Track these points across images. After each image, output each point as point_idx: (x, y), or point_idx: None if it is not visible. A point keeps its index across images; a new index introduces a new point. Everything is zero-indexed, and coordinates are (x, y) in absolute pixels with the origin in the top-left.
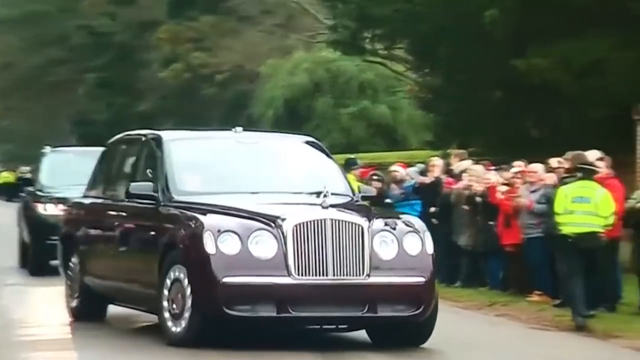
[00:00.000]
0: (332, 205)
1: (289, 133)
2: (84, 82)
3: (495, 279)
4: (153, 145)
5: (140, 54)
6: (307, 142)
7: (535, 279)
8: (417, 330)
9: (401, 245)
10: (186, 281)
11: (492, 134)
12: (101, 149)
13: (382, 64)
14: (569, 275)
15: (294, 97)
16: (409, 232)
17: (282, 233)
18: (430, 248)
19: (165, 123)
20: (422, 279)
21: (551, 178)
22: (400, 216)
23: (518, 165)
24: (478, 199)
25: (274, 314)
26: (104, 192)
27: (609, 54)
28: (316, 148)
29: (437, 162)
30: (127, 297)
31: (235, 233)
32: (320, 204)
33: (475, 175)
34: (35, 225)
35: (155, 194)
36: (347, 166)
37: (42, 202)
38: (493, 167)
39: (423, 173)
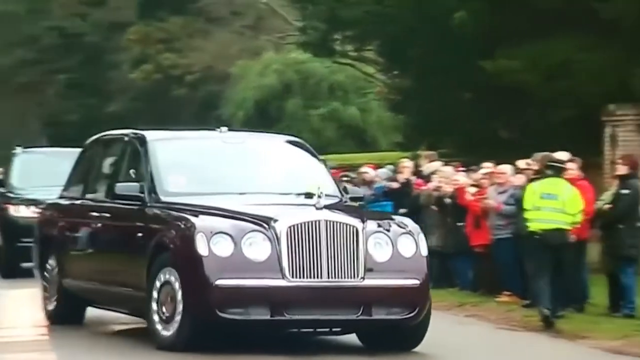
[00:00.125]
0: (326, 207)
1: (275, 133)
2: (54, 83)
3: (464, 279)
4: (136, 145)
5: (110, 55)
6: (293, 143)
7: (504, 280)
8: (411, 334)
9: (395, 247)
10: (177, 284)
11: (461, 136)
12: (73, 149)
13: (352, 66)
14: (536, 272)
15: (264, 98)
16: (403, 233)
17: (276, 234)
18: (424, 250)
19: (136, 124)
20: (416, 282)
21: (519, 179)
22: (393, 217)
23: (487, 166)
24: (447, 200)
25: (268, 317)
26: (83, 193)
27: (577, 55)
28: (302, 148)
29: (407, 164)
30: (112, 300)
31: (228, 234)
32: (314, 205)
33: (445, 177)
34: (6, 228)
35: (142, 195)
36: None
37: (13, 204)
38: (462, 169)
39: (393, 177)
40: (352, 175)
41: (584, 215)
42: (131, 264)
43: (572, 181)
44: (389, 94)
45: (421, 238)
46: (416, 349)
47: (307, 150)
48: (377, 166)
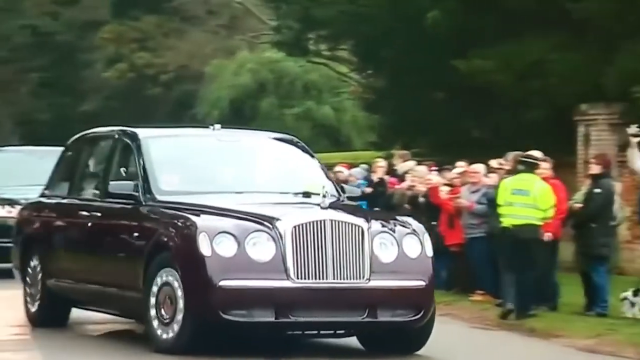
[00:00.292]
0: (330, 206)
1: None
2: (27, 82)
3: (438, 278)
4: (128, 143)
5: (83, 54)
6: (288, 141)
7: (478, 279)
8: (415, 336)
9: (401, 248)
10: (177, 285)
11: (434, 135)
12: (48, 148)
13: (326, 65)
14: (505, 267)
15: (239, 98)
16: (408, 233)
17: (280, 234)
18: (429, 250)
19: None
20: (422, 283)
21: (492, 179)
22: (396, 217)
23: (460, 165)
24: (421, 200)
25: (272, 319)
26: (70, 192)
27: (549, 55)
28: (297, 147)
29: (382, 164)
30: (103, 301)
31: (232, 234)
32: (319, 204)
33: (418, 176)
34: None
35: (136, 194)
36: None
37: None
38: (435, 168)
39: (368, 179)
40: None
41: (557, 215)
42: (126, 265)
43: (544, 180)
44: (363, 93)
45: (426, 238)
46: (340, 342)
47: (301, 148)
48: (351, 165)
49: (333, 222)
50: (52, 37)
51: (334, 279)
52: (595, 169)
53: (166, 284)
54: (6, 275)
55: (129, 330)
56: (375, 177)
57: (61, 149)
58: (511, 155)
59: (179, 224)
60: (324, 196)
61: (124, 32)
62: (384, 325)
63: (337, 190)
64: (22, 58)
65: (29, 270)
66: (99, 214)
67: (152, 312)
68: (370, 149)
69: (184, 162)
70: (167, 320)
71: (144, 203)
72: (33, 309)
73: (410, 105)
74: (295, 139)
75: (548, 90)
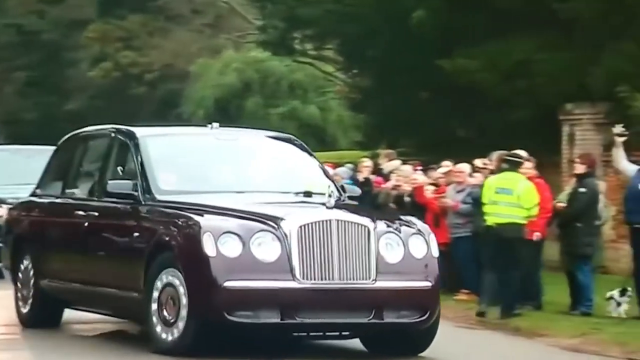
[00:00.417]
0: (335, 206)
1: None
2: (12, 81)
3: None
4: (125, 141)
5: (69, 53)
6: (286, 140)
7: (463, 278)
8: (419, 338)
9: (407, 248)
10: (181, 285)
11: (420, 135)
12: (36, 147)
13: (312, 65)
14: (487, 265)
15: (224, 97)
16: (414, 234)
17: (286, 234)
18: (435, 251)
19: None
20: (428, 284)
21: (477, 178)
22: (401, 217)
23: (446, 165)
24: (407, 199)
25: (278, 320)
26: (63, 191)
27: (535, 55)
28: (296, 145)
29: (367, 163)
30: (99, 302)
31: (236, 234)
32: (324, 204)
33: (403, 175)
34: None
35: (135, 193)
36: None
37: None
38: (420, 168)
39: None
40: None
41: (543, 214)
42: (125, 265)
43: (529, 180)
44: (349, 93)
45: (432, 238)
46: (342, 344)
47: (300, 147)
48: (336, 165)
49: (339, 222)
50: (38, 36)
51: (340, 279)
52: (580, 168)
53: (168, 284)
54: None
55: (122, 330)
56: (360, 177)
57: (48, 147)
58: (495, 154)
59: (182, 223)
60: (330, 196)
61: (109, 31)
62: (390, 327)
63: (338, 189)
64: (8, 57)
65: (21, 270)
66: (96, 214)
67: (153, 312)
68: (356, 149)
69: (182, 161)
70: (170, 321)
71: (143, 202)
72: (25, 310)
73: (396, 104)
74: (294, 138)
75: (533, 90)
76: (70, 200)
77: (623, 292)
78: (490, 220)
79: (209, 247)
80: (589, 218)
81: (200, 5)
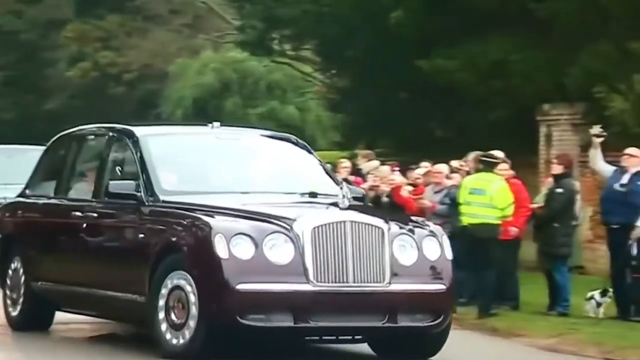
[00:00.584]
0: (351, 207)
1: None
2: None
3: None
4: (125, 141)
5: (47, 53)
6: (287, 140)
7: None
8: (431, 342)
9: (421, 250)
10: (190, 288)
11: (398, 135)
12: (16, 146)
13: (290, 65)
14: (460, 267)
15: (203, 97)
16: (427, 235)
17: (299, 236)
18: (449, 253)
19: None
20: (443, 287)
21: (455, 179)
22: (412, 218)
23: (424, 166)
24: (385, 199)
25: (291, 324)
26: (56, 191)
27: (512, 55)
28: (297, 145)
29: (346, 164)
30: (97, 305)
31: (249, 236)
32: (336, 205)
33: (380, 176)
34: None
35: (138, 194)
36: None
37: None
38: (398, 168)
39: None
40: None
41: (523, 212)
42: (128, 267)
43: (505, 180)
44: (327, 93)
45: (445, 240)
46: (348, 347)
47: (302, 147)
48: None
49: (353, 224)
50: (16, 35)
51: (354, 282)
52: (557, 169)
53: (177, 287)
54: None
55: (114, 333)
56: (339, 177)
57: (32, 147)
58: (472, 155)
59: (191, 225)
60: (344, 196)
61: (87, 31)
62: (403, 331)
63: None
64: None
65: (10, 272)
66: (94, 215)
67: (161, 316)
68: (335, 149)
69: (184, 161)
70: (178, 325)
71: (146, 203)
72: (14, 313)
73: (374, 105)
74: (295, 138)
75: (511, 90)
76: (66, 201)
77: (604, 293)
78: (464, 221)
79: (220, 248)
80: (566, 218)
81: (179, 6)
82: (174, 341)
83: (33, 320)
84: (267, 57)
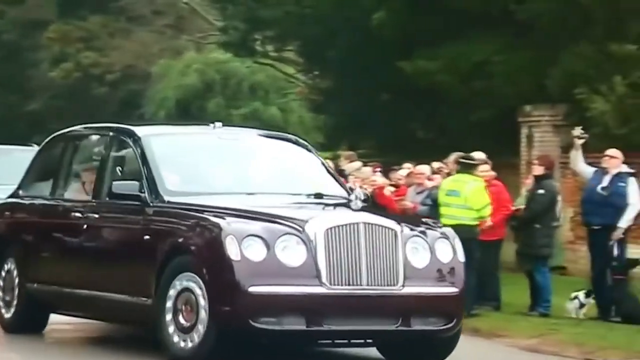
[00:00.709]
0: (362, 208)
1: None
2: None
3: None
4: (126, 141)
5: (29, 53)
6: (289, 140)
7: None
8: (442, 346)
9: (433, 253)
10: (200, 291)
11: (381, 136)
12: (1, 146)
13: (273, 66)
14: None
15: (186, 98)
16: (440, 237)
17: (312, 238)
18: (461, 255)
19: (56, 122)
20: (455, 290)
21: (436, 180)
22: (423, 219)
23: (407, 167)
24: None
25: (304, 327)
26: (53, 192)
27: (493, 56)
28: (299, 145)
29: (330, 165)
30: (96, 308)
31: (260, 237)
32: (347, 206)
33: (361, 177)
34: None
35: (142, 194)
36: None
37: None
38: (380, 169)
39: None
40: None
41: (503, 212)
42: (132, 269)
43: (486, 182)
44: (310, 94)
45: (457, 242)
46: (358, 351)
47: (304, 147)
48: None
49: (366, 226)
50: None
51: (368, 285)
52: (538, 170)
53: (185, 289)
54: None
55: (109, 336)
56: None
57: (15, 147)
58: (452, 156)
59: (201, 226)
60: (357, 197)
61: (70, 31)
62: (416, 334)
63: (346, 191)
64: None
65: (3, 274)
66: (95, 215)
67: (168, 319)
68: (317, 150)
69: (188, 161)
70: (187, 328)
71: (150, 204)
72: (7, 315)
73: (357, 106)
74: (296, 138)
75: (492, 92)
76: (64, 202)
77: (589, 294)
78: (443, 222)
79: (232, 250)
80: (547, 219)
81: (162, 7)
82: (182, 344)
83: (27, 323)
84: (249, 58)
